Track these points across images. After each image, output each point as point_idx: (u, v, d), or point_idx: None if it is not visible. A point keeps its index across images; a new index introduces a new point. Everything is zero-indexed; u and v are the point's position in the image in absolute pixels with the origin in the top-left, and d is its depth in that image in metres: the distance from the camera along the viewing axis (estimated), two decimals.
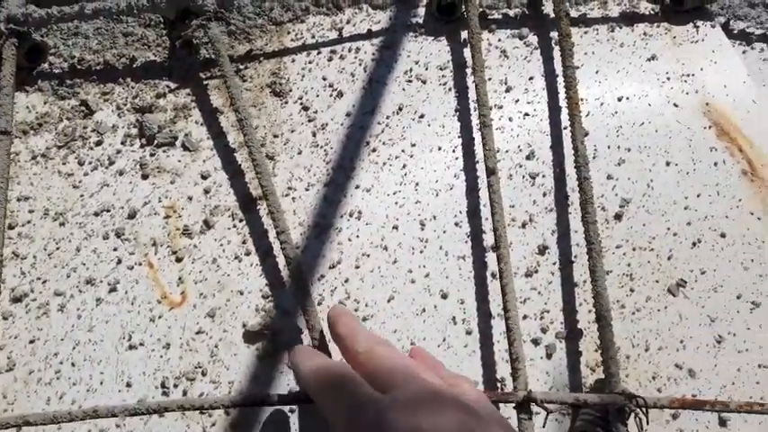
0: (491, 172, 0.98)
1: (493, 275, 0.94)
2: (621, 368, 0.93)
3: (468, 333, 0.93)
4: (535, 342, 0.93)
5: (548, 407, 0.78)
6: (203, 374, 0.89)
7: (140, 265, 0.96)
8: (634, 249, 1.01)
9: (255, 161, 0.97)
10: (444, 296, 0.96)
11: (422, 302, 0.95)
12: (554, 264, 0.98)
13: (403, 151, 1.07)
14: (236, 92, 1.02)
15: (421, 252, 0.99)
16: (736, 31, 1.25)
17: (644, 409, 0.80)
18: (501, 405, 0.87)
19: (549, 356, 0.92)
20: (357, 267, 0.96)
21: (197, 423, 0.86)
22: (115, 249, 0.97)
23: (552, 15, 1.13)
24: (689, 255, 1.00)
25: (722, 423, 0.89)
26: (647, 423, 0.80)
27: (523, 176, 1.05)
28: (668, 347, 0.94)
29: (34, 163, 1.05)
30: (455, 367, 0.92)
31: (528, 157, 1.06)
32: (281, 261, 0.94)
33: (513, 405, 0.82)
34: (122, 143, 1.08)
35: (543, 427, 0.83)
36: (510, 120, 1.10)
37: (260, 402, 0.79)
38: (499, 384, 0.90)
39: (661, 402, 0.81)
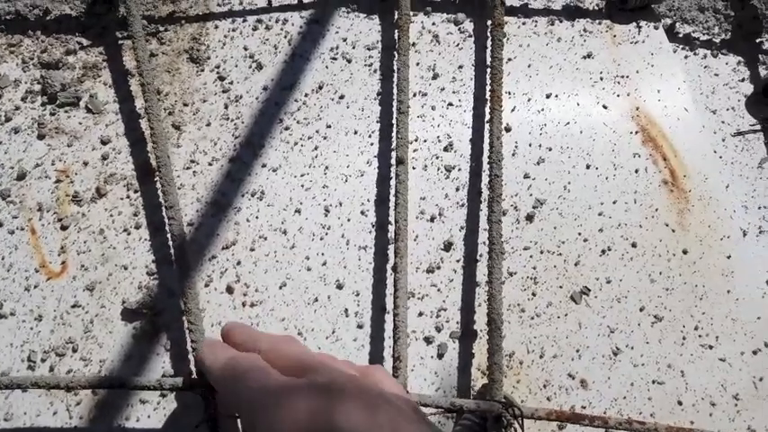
0: (399, 161, 0.94)
1: (393, 269, 0.90)
2: (514, 374, 0.90)
3: (360, 327, 0.90)
4: (428, 340, 0.90)
5: (424, 410, 0.75)
6: (74, 350, 0.85)
7: (22, 230, 0.91)
8: (542, 252, 0.98)
9: (153, 130, 0.92)
10: (339, 287, 0.92)
11: (315, 291, 0.91)
12: (458, 261, 0.95)
13: (317, 132, 1.02)
14: (143, 54, 0.97)
15: (321, 239, 0.95)
16: (681, 35, 1.22)
17: (520, 420, 0.77)
18: None
19: (440, 356, 0.90)
20: (252, 250, 0.92)
21: (61, 401, 0.82)
22: None
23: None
24: (597, 262, 0.98)
25: None
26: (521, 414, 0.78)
27: (438, 168, 1.02)
28: (563, 356, 0.92)
29: None
30: (347, 352, 0.89)
31: (446, 149, 1.03)
32: (170, 234, 0.90)
33: None
34: (22, 99, 1.02)
35: None
36: (432, 108, 1.05)
37: (121, 385, 0.75)
38: None
39: (538, 413, 0.79)
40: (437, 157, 1.02)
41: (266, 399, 0.58)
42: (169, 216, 0.87)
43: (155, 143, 0.90)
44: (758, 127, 1.13)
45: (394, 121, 1.00)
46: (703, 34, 1.25)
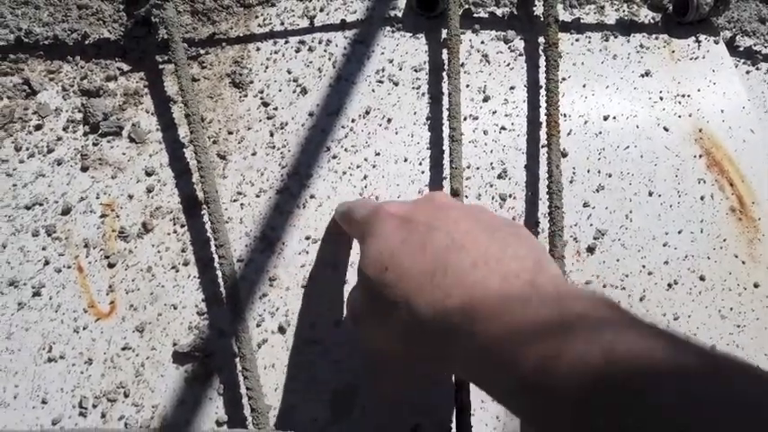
0: (455, 193, 0.91)
1: None
2: None
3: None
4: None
5: None
6: (126, 395, 0.83)
7: (69, 268, 0.89)
8: (604, 287, 0.94)
9: (200, 163, 0.90)
10: None
11: None
12: None
13: (365, 160, 0.99)
14: (186, 83, 0.94)
15: None
16: (741, 49, 1.17)
17: None
18: None
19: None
20: (303, 287, 0.90)
21: None
22: (44, 248, 0.90)
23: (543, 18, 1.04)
24: (663, 297, 0.94)
25: None
26: None
27: (493, 197, 0.98)
28: None
29: None
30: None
31: (500, 176, 0.99)
32: (221, 274, 0.88)
33: None
34: (64, 129, 1.00)
35: None
36: (485, 133, 1.02)
37: None
38: None
39: None
40: (491, 186, 0.98)
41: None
42: (219, 255, 0.84)
43: (202, 176, 0.88)
44: None
45: (446, 148, 0.96)
46: (765, 47, 1.20)
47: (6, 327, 0.86)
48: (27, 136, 0.99)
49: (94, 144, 1.00)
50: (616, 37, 1.10)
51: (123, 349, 0.85)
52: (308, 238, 0.93)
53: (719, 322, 0.89)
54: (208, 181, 0.88)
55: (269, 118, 1.02)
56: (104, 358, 0.84)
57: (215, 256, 0.89)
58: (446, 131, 0.98)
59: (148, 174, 0.97)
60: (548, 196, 0.91)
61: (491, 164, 0.99)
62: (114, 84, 1.06)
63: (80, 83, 1.06)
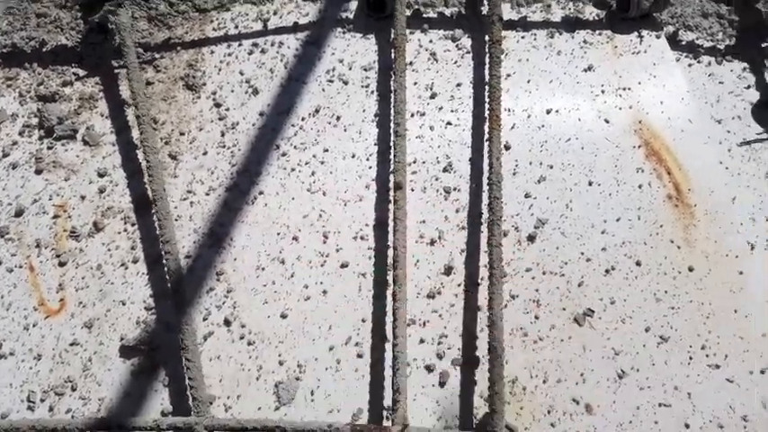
0: (398, 186, 0.93)
1: (392, 297, 0.89)
2: (517, 400, 0.89)
3: (360, 356, 0.89)
4: (429, 368, 0.89)
5: None
6: (73, 389, 0.85)
7: (21, 267, 0.91)
8: (544, 273, 0.96)
9: (149, 163, 0.91)
10: (340, 316, 0.91)
11: (315, 321, 0.90)
12: (459, 285, 0.94)
13: (314, 156, 1.01)
14: (138, 86, 0.96)
15: (321, 266, 0.94)
16: (684, 43, 1.19)
17: None
18: None
19: (441, 384, 0.88)
20: (248, 281, 0.91)
21: None
22: None
23: None
24: (600, 282, 0.96)
25: None
26: None
27: (437, 190, 1.00)
28: (568, 380, 0.90)
29: None
30: (344, 393, 0.88)
31: (445, 170, 1.01)
32: (167, 269, 0.89)
33: None
34: (20, 134, 1.02)
35: None
36: (431, 129, 1.04)
37: (119, 427, 0.75)
38: (386, 413, 0.86)
39: None
40: (436, 179, 1.00)
41: None
42: (166, 251, 0.86)
43: (150, 176, 0.90)
44: (765, 136, 1.10)
45: (392, 144, 0.98)
46: (707, 41, 1.22)
47: None
48: None
49: (49, 148, 1.02)
50: (561, 33, 1.12)
51: (72, 345, 0.87)
52: (255, 234, 0.95)
53: (654, 305, 0.91)
54: (156, 180, 0.90)
55: (221, 119, 1.04)
56: (53, 354, 0.86)
57: (163, 259, 0.90)
58: (392, 128, 0.99)
59: (101, 175, 0.99)
60: (488, 187, 0.93)
61: (437, 158, 1.01)
62: (70, 89, 1.07)
63: (37, 88, 1.08)
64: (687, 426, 0.88)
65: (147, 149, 0.91)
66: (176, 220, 0.94)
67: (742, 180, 1.07)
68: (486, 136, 1.04)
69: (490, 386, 0.83)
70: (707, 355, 0.92)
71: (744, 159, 1.09)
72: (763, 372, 0.92)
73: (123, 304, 0.89)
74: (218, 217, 0.96)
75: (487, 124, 1.01)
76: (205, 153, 1.00)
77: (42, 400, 0.83)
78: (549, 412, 0.89)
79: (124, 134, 1.02)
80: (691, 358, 0.92)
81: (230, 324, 0.90)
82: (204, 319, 0.90)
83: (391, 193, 0.99)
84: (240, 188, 0.98)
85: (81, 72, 1.08)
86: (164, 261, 0.89)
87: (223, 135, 1.01)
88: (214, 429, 0.77)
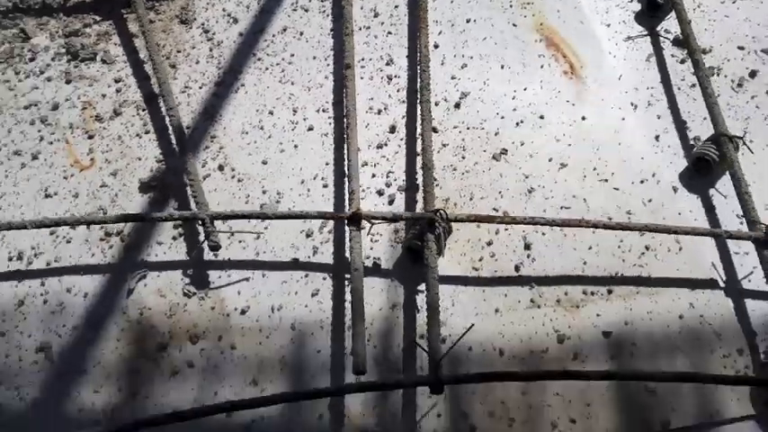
0: (347, 66, 1.30)
1: (345, 137, 1.24)
2: (450, 212, 1.23)
3: (325, 186, 1.24)
4: (380, 193, 1.24)
5: (372, 221, 1.08)
6: (104, 212, 1.19)
7: (59, 141, 1.27)
8: (468, 128, 1.32)
9: (155, 63, 1.29)
10: (304, 158, 1.26)
11: (289, 164, 1.25)
12: (401, 139, 1.30)
13: (283, 59, 1.39)
14: (145, 20, 1.35)
15: (292, 130, 1.30)
16: None
17: (446, 223, 1.10)
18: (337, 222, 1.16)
19: (390, 203, 1.22)
20: (235, 141, 1.27)
21: (96, 247, 1.15)
22: (39, 131, 1.28)
23: None
24: (513, 131, 1.32)
25: (527, 246, 1.18)
26: (450, 232, 1.10)
27: (382, 78, 1.38)
28: (488, 197, 1.24)
29: None
30: (316, 204, 1.21)
31: (387, 64, 1.39)
32: (173, 139, 1.25)
33: (346, 221, 1.11)
34: (52, 59, 1.40)
35: (368, 234, 1.12)
36: (375, 37, 1.43)
37: (141, 219, 1.09)
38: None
39: (460, 216, 1.12)
40: (381, 70, 1.38)
41: None
42: (170, 115, 1.22)
43: (156, 71, 1.27)
44: (645, 33, 1.49)
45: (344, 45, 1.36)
46: None
47: (13, 179, 1.22)
48: (24, 65, 1.39)
49: (75, 66, 1.40)
50: None
51: (101, 186, 1.22)
52: (239, 105, 1.31)
53: (555, 144, 1.29)
54: (161, 78, 1.27)
55: (208, 40, 1.43)
56: (87, 192, 1.21)
57: (168, 123, 1.27)
58: (342, 31, 1.38)
59: (117, 81, 1.37)
60: (419, 68, 1.30)
61: (380, 56, 1.40)
62: (89, 29, 1.47)
63: (63, 29, 1.47)
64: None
65: (153, 55, 1.29)
66: (177, 105, 1.31)
67: (627, 63, 1.46)
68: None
69: (424, 179, 1.17)
70: (597, 174, 1.28)
71: (629, 49, 1.48)
72: (642, 181, 1.27)
73: (139, 159, 1.25)
74: (209, 103, 1.33)
75: (418, 26, 1.39)
76: (197, 62, 1.38)
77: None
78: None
79: (133, 55, 1.40)
80: (585, 176, 1.27)
81: (223, 169, 1.26)
82: (203, 166, 1.25)
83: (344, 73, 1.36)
84: (226, 83, 1.36)
85: (97, 17, 1.47)
86: (168, 122, 1.25)
87: (211, 50, 1.40)
88: (214, 218, 1.11)
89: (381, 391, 1.03)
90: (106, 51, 1.42)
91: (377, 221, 1.13)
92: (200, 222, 1.11)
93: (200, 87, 1.35)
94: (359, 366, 0.98)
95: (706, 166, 1.26)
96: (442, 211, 1.12)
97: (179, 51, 1.41)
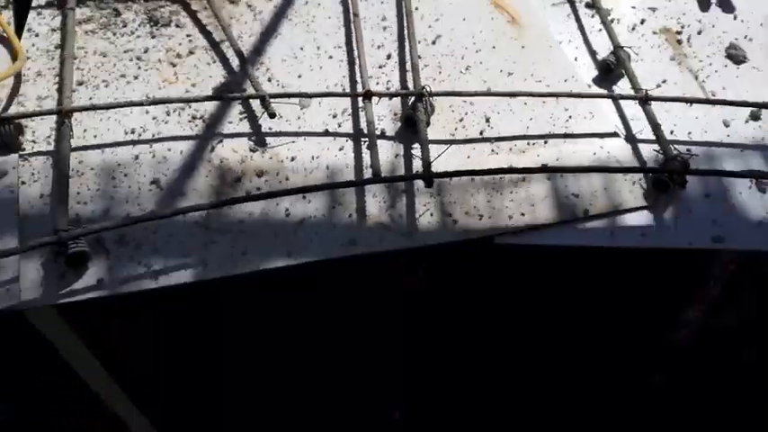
0: (355, 15, 1.89)
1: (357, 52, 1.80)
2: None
3: (343, 88, 1.79)
4: (381, 67, 1.79)
5: (380, 96, 1.63)
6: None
7: (151, 69, 1.82)
8: (443, 55, 1.89)
9: (219, 19, 1.87)
10: (327, 73, 1.82)
11: (318, 78, 1.81)
12: (395, 62, 1.87)
13: (307, 19, 1.98)
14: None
15: (318, 58, 1.87)
16: None
17: (431, 98, 1.65)
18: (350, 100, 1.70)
19: (390, 99, 1.78)
20: (278, 65, 1.84)
21: (187, 124, 1.69)
22: (136, 64, 1.83)
23: None
24: (472, 56, 1.89)
25: (487, 120, 1.74)
26: (433, 109, 1.64)
27: (379, 27, 1.97)
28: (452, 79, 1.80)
29: (88, 37, 1.93)
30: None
31: (383, 20, 1.98)
32: (234, 66, 1.81)
33: (361, 98, 1.66)
34: (139, 25, 1.97)
35: (375, 113, 1.66)
36: (372, 5, 2.03)
37: None
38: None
39: (439, 92, 1.67)
40: (378, 24, 1.97)
41: None
42: (234, 48, 1.79)
43: (219, 21, 1.85)
44: (565, 1, 2.10)
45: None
46: None
47: (122, 91, 1.77)
48: (118, 29, 1.96)
49: (156, 29, 1.97)
50: None
51: (185, 92, 1.77)
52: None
53: (503, 62, 1.85)
54: (224, 25, 1.85)
55: (251, 11, 2.02)
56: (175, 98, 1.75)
57: (231, 54, 1.83)
58: None
59: (188, 36, 1.94)
60: (405, 16, 1.89)
61: (376, 15, 1.99)
62: (164, 9, 2.06)
63: (145, 9, 2.06)
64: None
65: (218, 14, 1.87)
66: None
67: (553, 18, 2.06)
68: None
69: (414, 82, 1.73)
70: (534, 77, 1.85)
71: (562, 12, 2.09)
72: (566, 80, 1.84)
73: (210, 77, 1.81)
74: (257, 45, 1.90)
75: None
76: (246, 23, 1.96)
77: None
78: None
79: (199, 23, 1.98)
80: (525, 79, 1.85)
81: (270, 81, 1.81)
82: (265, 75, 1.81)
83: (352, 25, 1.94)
84: (267, 34, 1.93)
85: (169, 2, 2.07)
86: (234, 54, 1.81)
87: (255, 17, 1.99)
88: (271, 96, 1.66)
89: (391, 183, 1.54)
90: (178, 20, 2.00)
91: (383, 96, 1.68)
92: (260, 100, 1.65)
93: (250, 37, 1.92)
94: (377, 169, 1.50)
95: (608, 69, 1.84)
96: (427, 87, 1.67)
97: (231, 18, 1.99)
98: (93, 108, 1.61)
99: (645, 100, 1.66)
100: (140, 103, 1.60)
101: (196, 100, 1.63)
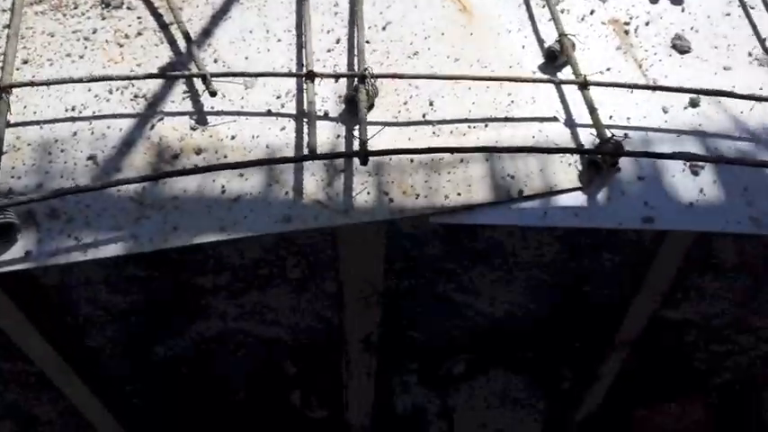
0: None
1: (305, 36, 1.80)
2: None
3: (290, 70, 1.79)
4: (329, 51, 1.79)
5: (322, 77, 1.63)
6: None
7: (97, 49, 1.82)
8: (392, 41, 1.90)
9: (169, 2, 1.87)
10: (274, 56, 1.82)
11: (265, 61, 1.81)
12: (344, 47, 1.87)
13: (259, 3, 1.98)
14: None
15: (266, 41, 1.87)
16: None
17: (374, 80, 1.65)
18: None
19: (335, 82, 1.78)
20: (225, 47, 1.84)
21: (128, 102, 1.68)
22: (83, 44, 1.83)
23: None
24: (423, 42, 1.90)
25: (431, 103, 1.74)
26: (376, 93, 1.64)
27: (331, 12, 1.97)
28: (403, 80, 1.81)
29: (38, 17, 1.92)
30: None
31: (334, 5, 1.99)
32: (181, 47, 1.80)
33: (303, 78, 1.66)
34: (90, 7, 1.97)
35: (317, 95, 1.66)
36: None
37: None
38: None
39: (381, 74, 1.67)
40: (329, 9, 1.98)
41: None
42: (181, 30, 1.79)
43: (169, 4, 1.85)
44: None
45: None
46: None
47: (66, 69, 1.76)
48: (69, 11, 1.95)
49: (107, 11, 1.97)
50: None
51: (130, 71, 1.76)
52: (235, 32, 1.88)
53: (452, 48, 1.85)
54: (173, 7, 1.85)
55: None
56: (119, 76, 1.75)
57: (178, 37, 1.83)
58: None
59: (138, 18, 1.94)
60: (357, 9, 1.90)
61: (330, 1, 1.99)
62: None
63: None
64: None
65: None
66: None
67: (509, 6, 2.07)
68: None
69: (358, 63, 1.73)
70: (480, 63, 1.86)
71: (512, 0, 2.10)
72: (510, 66, 1.85)
73: (156, 58, 1.80)
74: (207, 27, 1.90)
75: None
76: (197, 6, 1.96)
77: None
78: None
79: (150, 6, 1.98)
80: (471, 66, 1.85)
81: (216, 62, 1.81)
82: (202, 61, 1.81)
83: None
84: (218, 17, 1.93)
85: None
86: (181, 36, 1.81)
87: (207, 2, 1.99)
88: (212, 76, 1.65)
89: (329, 161, 1.54)
90: (130, 3, 2.00)
91: (325, 77, 1.68)
92: (202, 79, 1.65)
93: (200, 20, 1.92)
94: (313, 147, 1.50)
95: (553, 57, 1.85)
96: (369, 69, 1.68)
97: (183, 1, 1.99)
98: (32, 84, 1.61)
99: (584, 85, 1.67)
100: (80, 80, 1.60)
101: (136, 77, 1.63)
